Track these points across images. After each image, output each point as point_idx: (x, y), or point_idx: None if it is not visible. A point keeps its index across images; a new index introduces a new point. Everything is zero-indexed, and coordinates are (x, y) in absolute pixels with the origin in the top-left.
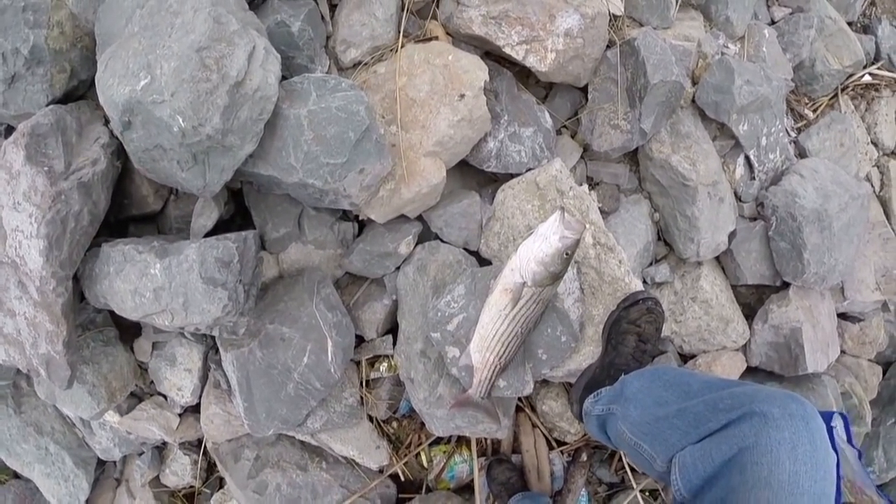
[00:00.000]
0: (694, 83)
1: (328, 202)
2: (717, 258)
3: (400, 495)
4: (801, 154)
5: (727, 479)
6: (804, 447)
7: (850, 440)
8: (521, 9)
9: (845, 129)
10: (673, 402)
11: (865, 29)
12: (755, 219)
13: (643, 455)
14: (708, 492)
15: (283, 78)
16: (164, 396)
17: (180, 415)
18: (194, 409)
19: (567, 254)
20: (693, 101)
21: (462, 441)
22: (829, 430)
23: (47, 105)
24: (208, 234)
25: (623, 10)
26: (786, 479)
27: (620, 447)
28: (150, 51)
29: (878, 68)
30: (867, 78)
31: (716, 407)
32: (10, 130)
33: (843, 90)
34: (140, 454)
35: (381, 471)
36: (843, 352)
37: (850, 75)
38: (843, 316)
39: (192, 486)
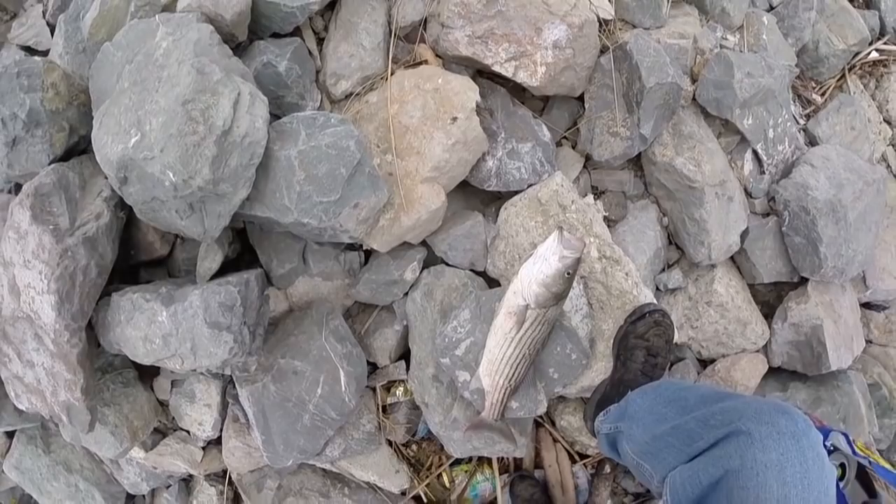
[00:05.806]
0: (693, 81)
1: (328, 237)
2: (732, 258)
3: None
4: (812, 142)
5: None
6: (793, 468)
7: (854, 453)
8: (506, 25)
9: (855, 110)
10: (670, 418)
11: (868, 4)
12: (768, 214)
13: (645, 475)
14: None
15: (276, 117)
16: (187, 431)
17: (203, 448)
18: (217, 442)
19: (568, 273)
20: (694, 99)
21: (483, 460)
22: (827, 448)
23: (49, 164)
24: (216, 275)
25: (613, 13)
26: None
27: (629, 466)
28: (140, 106)
29: (885, 43)
30: (874, 55)
31: (707, 423)
32: (19, 188)
33: (850, 70)
34: (168, 487)
35: (403, 493)
36: (869, 342)
37: (856, 54)
38: (866, 305)
39: None
